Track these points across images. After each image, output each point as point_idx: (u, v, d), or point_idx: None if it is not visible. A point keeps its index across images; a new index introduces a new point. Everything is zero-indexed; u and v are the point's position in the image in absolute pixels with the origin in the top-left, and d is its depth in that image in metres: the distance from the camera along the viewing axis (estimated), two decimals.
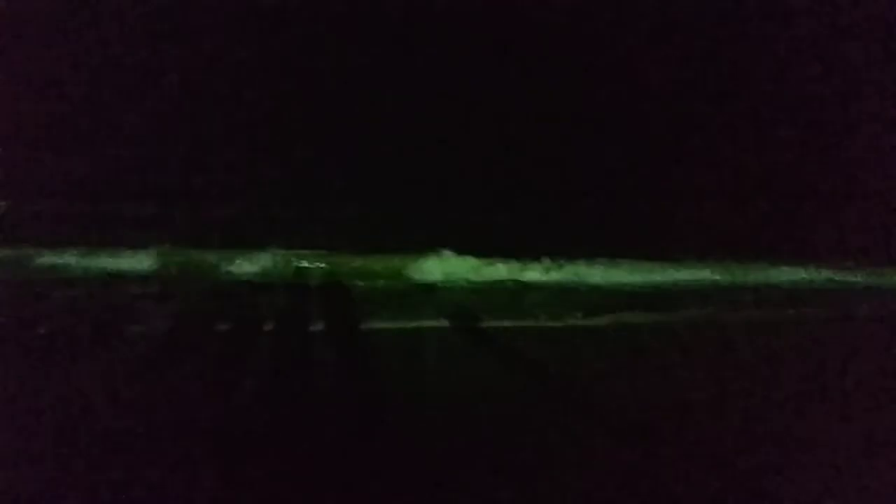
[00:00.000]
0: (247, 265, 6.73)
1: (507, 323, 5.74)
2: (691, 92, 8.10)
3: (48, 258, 6.49)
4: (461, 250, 7.09)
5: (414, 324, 5.62)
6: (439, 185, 7.67)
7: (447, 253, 7.05)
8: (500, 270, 7.14)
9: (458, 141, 7.85)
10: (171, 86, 7.91)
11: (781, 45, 8.33)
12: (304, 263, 6.87)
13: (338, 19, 8.05)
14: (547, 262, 7.31)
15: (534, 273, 7.21)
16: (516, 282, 7.13)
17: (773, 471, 3.24)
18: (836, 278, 7.69)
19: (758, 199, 8.15)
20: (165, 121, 7.84)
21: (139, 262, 6.67)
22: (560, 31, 7.95)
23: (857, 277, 7.72)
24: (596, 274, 7.25)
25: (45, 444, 3.16)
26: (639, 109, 8.03)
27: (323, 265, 6.83)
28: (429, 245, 7.07)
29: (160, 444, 3.20)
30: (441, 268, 7.01)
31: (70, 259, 6.55)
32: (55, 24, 7.72)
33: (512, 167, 7.97)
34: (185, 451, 3.15)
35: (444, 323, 5.68)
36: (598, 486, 3.00)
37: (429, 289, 6.82)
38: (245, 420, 3.53)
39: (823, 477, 3.23)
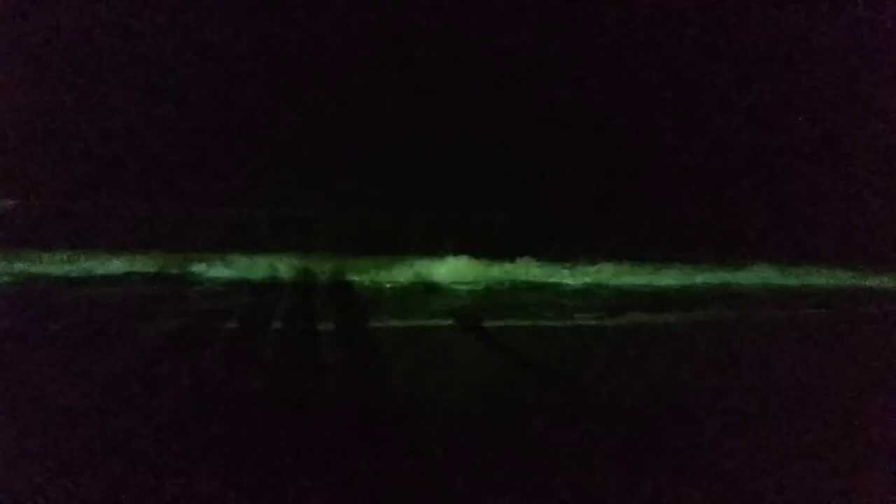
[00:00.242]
0: (254, 266, 6.75)
1: (514, 323, 5.78)
2: (693, 94, 8.11)
3: (51, 260, 6.49)
4: (471, 251, 7.14)
5: (421, 323, 5.67)
6: (450, 186, 7.70)
7: (456, 254, 7.09)
8: (511, 272, 7.18)
9: (468, 143, 7.87)
10: (173, 87, 7.91)
11: (782, 46, 8.35)
12: (312, 264, 6.90)
13: (339, 22, 8.05)
14: (559, 264, 7.35)
15: (548, 275, 7.26)
16: (527, 283, 7.19)
17: (774, 470, 3.24)
18: (838, 279, 7.71)
19: (758, 200, 8.17)
20: (171, 123, 7.84)
21: (143, 264, 6.67)
22: (563, 32, 7.96)
23: (858, 278, 7.74)
24: (609, 276, 7.29)
25: (50, 442, 3.17)
26: (640, 112, 8.03)
27: (330, 266, 6.86)
28: (438, 246, 7.10)
29: (164, 444, 3.20)
30: (449, 268, 7.05)
31: (73, 260, 6.55)
32: (56, 25, 7.72)
33: (525, 170, 8.00)
34: (190, 450, 3.15)
35: (451, 322, 5.72)
36: (599, 486, 3.00)
37: (436, 289, 6.89)
38: (252, 418, 3.53)
39: (823, 476, 3.23)
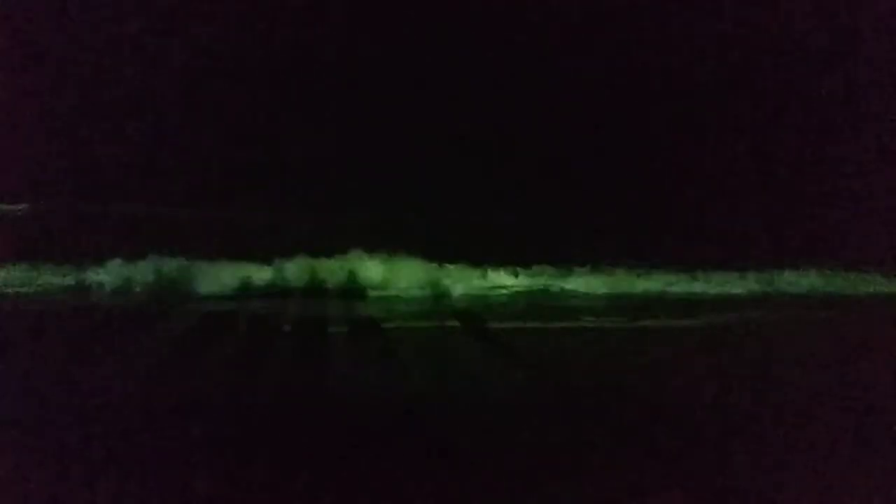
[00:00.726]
0: (266, 270, 6.77)
1: (521, 325, 5.82)
2: (703, 96, 8.07)
3: (53, 265, 6.50)
4: (477, 255, 7.15)
5: (428, 325, 5.73)
6: (456, 190, 7.69)
7: (462, 257, 7.11)
8: (518, 275, 7.21)
9: (474, 146, 7.86)
10: (173, 89, 7.91)
11: (782, 45, 8.34)
12: (322, 269, 6.92)
13: (339, 22, 8.06)
14: (567, 268, 7.36)
15: (555, 279, 7.28)
16: (535, 287, 7.23)
17: (777, 473, 3.25)
18: (840, 281, 7.70)
19: (759, 202, 8.15)
20: (175, 126, 7.84)
21: (149, 268, 6.68)
22: (566, 32, 7.96)
23: (859, 280, 7.74)
24: (619, 281, 7.31)
25: (53, 446, 3.18)
26: (652, 114, 8.00)
27: (338, 269, 6.88)
28: (444, 249, 7.11)
29: (169, 448, 3.21)
30: (455, 272, 7.06)
31: (76, 266, 6.55)
32: (56, 26, 7.73)
33: (532, 173, 7.98)
34: (198, 454, 3.16)
35: (458, 325, 5.77)
36: (602, 488, 3.01)
37: (442, 292, 6.91)
38: (262, 421, 3.55)
39: (824, 476, 3.24)
